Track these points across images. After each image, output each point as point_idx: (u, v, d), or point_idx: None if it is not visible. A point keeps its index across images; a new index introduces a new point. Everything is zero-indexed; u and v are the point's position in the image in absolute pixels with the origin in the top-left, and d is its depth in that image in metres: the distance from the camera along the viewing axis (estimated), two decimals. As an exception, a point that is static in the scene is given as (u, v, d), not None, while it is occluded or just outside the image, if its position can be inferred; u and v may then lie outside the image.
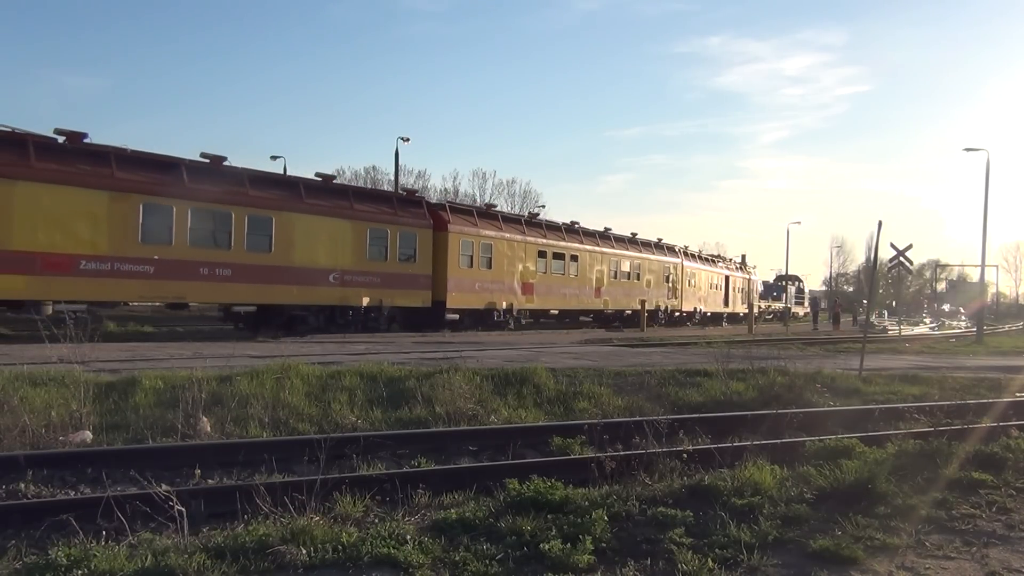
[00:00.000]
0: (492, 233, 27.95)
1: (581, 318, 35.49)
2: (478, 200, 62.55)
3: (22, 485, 5.95)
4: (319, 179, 23.02)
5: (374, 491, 5.51)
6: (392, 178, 46.14)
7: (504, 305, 28.22)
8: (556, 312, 32.33)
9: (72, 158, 17.36)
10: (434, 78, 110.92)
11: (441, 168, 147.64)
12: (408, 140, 45.15)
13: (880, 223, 15.78)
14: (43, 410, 7.44)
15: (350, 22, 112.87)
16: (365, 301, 23.03)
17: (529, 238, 29.97)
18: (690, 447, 6.99)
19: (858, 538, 4.63)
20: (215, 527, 4.81)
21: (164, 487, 4.74)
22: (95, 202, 17.34)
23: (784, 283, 67.52)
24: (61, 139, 17.55)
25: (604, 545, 4.42)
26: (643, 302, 34.64)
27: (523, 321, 30.20)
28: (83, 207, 17.12)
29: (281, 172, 24.97)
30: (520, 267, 29.13)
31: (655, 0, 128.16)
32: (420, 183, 63.28)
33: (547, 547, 4.26)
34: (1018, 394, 12.51)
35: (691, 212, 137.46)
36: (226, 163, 20.55)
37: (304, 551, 4.12)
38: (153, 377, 9.38)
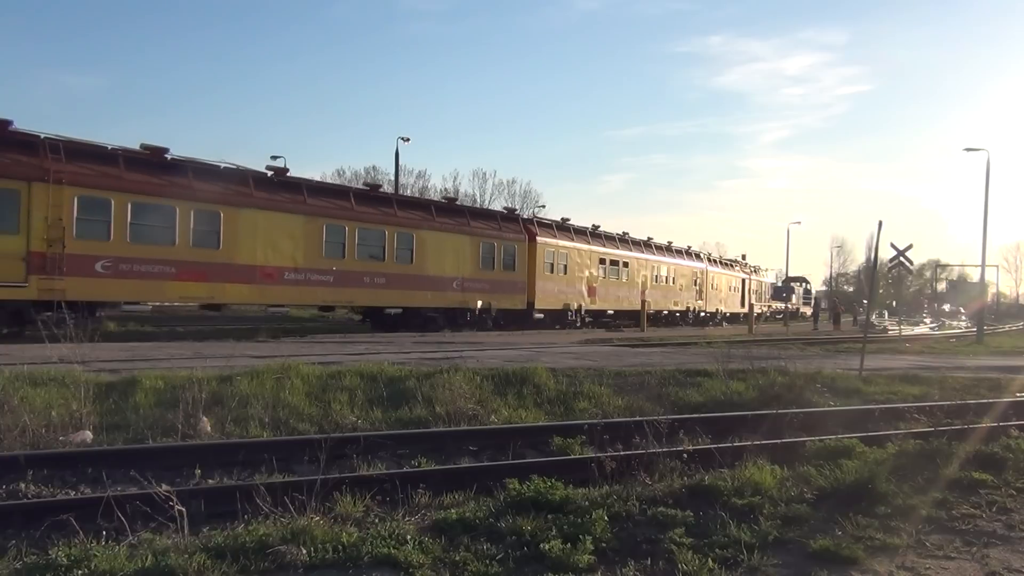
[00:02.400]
0: (567, 243, 32.24)
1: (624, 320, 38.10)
2: (478, 200, 62.70)
3: (22, 485, 5.95)
4: (445, 201, 28.69)
5: (374, 491, 5.51)
6: (392, 178, 46.29)
7: (575, 306, 32.28)
8: (612, 312, 35.68)
9: (277, 188, 21.52)
10: (434, 78, 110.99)
11: (441, 168, 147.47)
12: (408, 140, 45.41)
13: (880, 223, 15.82)
14: (43, 410, 7.43)
15: (350, 22, 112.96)
16: (479, 304, 27.13)
17: (593, 247, 34.19)
18: (690, 447, 6.99)
19: (858, 538, 4.63)
20: (215, 527, 4.81)
21: (164, 487, 4.74)
22: (294, 224, 21.35)
23: (792, 284, 70.58)
24: (270, 173, 22.00)
25: (604, 545, 4.42)
26: (644, 303, 35.22)
27: (587, 320, 33.61)
28: (286, 228, 21.12)
29: (418, 195, 30.35)
30: (587, 273, 33.41)
31: None
32: (420, 183, 63.35)
33: (547, 547, 4.26)
34: (1018, 394, 12.50)
35: (691, 212, 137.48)
36: (381, 189, 25.96)
37: (304, 551, 4.12)
38: (153, 377, 9.37)
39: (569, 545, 4.29)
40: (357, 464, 6.77)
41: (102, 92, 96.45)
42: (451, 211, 27.44)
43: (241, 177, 20.65)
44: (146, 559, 3.94)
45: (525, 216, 32.07)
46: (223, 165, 20.32)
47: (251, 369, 10.24)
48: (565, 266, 31.79)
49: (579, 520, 4.71)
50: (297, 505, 4.73)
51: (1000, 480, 6.15)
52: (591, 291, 33.50)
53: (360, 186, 25.22)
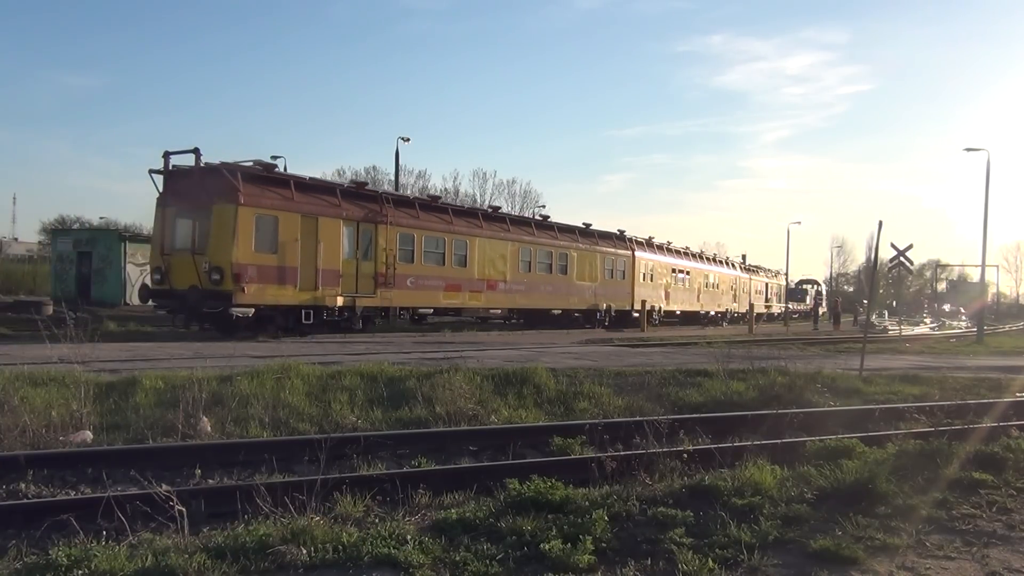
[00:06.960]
0: (652, 256, 40.12)
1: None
2: (478, 200, 62.91)
3: (22, 485, 5.96)
4: (583, 226, 34.55)
5: (374, 491, 5.51)
6: (392, 178, 46.33)
7: (656, 307, 39.07)
8: (680, 312, 42.73)
9: (493, 220, 29.14)
10: (434, 77, 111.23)
11: (441, 168, 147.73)
12: (408, 140, 45.28)
13: (880, 223, 15.85)
14: (43, 410, 7.43)
15: (350, 22, 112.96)
16: (604, 306, 34.69)
17: (668, 259, 41.97)
18: (690, 447, 6.97)
19: (858, 538, 4.63)
20: (215, 527, 4.81)
21: (164, 487, 4.74)
22: (504, 248, 28.64)
23: (805, 287, 75.34)
24: (489, 209, 31.16)
25: (604, 545, 4.42)
26: (644, 302, 35.90)
27: (663, 318, 40.71)
28: (499, 251, 28.34)
29: (568, 222, 35.54)
30: (664, 280, 41.27)
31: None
32: (420, 183, 63.45)
33: (547, 547, 4.26)
34: (1018, 394, 12.50)
35: (692, 212, 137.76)
36: (549, 219, 33.14)
37: (304, 551, 4.12)
38: (153, 377, 9.37)
39: (569, 545, 4.28)
40: (357, 464, 6.77)
41: (102, 92, 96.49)
42: (586, 234, 34.68)
43: (473, 213, 29.20)
44: (146, 559, 3.94)
45: (628, 236, 38.51)
46: (466, 206, 30.90)
47: (251, 369, 10.24)
48: (652, 275, 39.46)
49: (579, 520, 4.71)
50: (297, 505, 4.72)
51: (1000, 480, 6.14)
52: (667, 295, 41.16)
53: (538, 216, 34.05)
